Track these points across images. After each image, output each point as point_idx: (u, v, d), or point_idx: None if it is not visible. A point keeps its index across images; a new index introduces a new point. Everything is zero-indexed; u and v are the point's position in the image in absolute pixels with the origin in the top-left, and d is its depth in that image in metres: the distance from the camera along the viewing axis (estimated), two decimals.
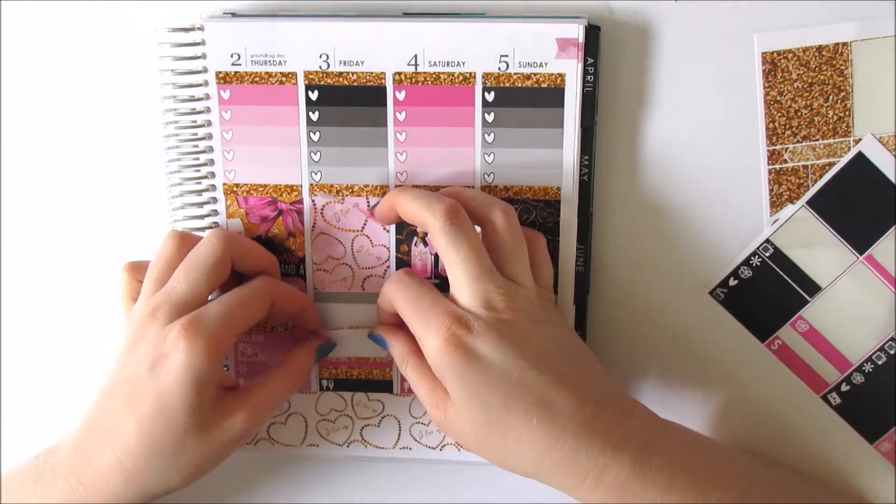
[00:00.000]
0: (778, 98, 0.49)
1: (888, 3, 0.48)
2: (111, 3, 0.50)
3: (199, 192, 0.50)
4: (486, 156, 0.49)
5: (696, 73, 0.49)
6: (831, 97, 0.49)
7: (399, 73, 0.48)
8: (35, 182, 0.53)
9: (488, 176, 0.49)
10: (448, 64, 0.47)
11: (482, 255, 0.45)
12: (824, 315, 0.51)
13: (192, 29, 0.48)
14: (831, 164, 0.50)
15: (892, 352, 0.52)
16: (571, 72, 0.47)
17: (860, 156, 0.50)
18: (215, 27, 0.48)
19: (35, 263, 0.54)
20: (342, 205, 0.50)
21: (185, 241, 0.47)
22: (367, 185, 0.50)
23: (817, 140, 0.50)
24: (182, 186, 0.50)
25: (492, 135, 0.48)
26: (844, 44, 0.49)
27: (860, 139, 0.49)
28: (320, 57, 0.48)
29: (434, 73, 0.48)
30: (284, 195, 0.50)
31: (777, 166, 0.50)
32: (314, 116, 0.49)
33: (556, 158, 0.48)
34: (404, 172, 0.49)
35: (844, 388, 0.52)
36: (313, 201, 0.50)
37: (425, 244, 0.50)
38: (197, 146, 0.49)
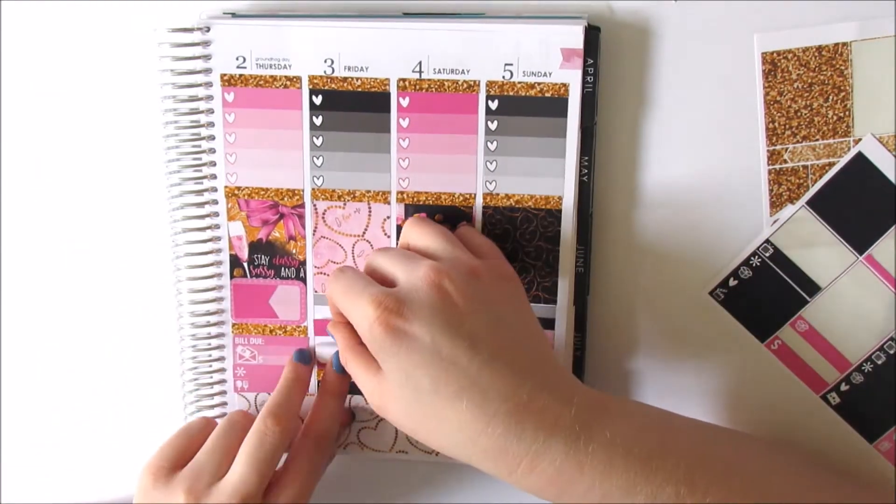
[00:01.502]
0: (778, 98, 0.49)
1: (888, 3, 0.48)
2: (111, 3, 0.50)
3: (200, 193, 0.50)
4: (488, 163, 0.49)
5: (696, 73, 0.49)
6: (831, 97, 0.49)
7: (403, 80, 0.48)
8: (35, 182, 0.53)
9: (490, 184, 0.49)
10: (452, 71, 0.47)
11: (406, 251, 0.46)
12: (824, 315, 0.51)
13: (196, 29, 0.48)
14: (831, 164, 0.50)
15: (891, 351, 0.52)
16: (576, 82, 0.47)
17: (860, 156, 0.50)
18: (221, 29, 0.48)
19: (35, 264, 0.54)
20: (344, 209, 0.50)
21: (247, 423, 0.49)
22: (369, 191, 0.50)
23: (817, 140, 0.50)
24: (182, 187, 0.50)
25: (494, 143, 0.48)
26: (844, 44, 0.49)
27: (860, 139, 0.49)
28: (325, 62, 0.48)
29: (438, 80, 0.48)
30: (286, 199, 0.50)
31: (777, 166, 0.50)
32: (318, 121, 0.49)
33: (558, 167, 0.48)
34: (406, 178, 0.49)
35: (844, 387, 0.52)
36: (315, 205, 0.50)
37: None
38: (199, 146, 0.49)
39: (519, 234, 0.50)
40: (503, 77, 0.47)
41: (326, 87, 0.48)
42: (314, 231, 0.50)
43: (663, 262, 0.51)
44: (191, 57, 0.48)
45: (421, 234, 0.47)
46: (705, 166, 0.50)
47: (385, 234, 0.50)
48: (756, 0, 0.48)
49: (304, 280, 0.51)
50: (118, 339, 0.55)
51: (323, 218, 0.50)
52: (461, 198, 0.49)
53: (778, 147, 0.50)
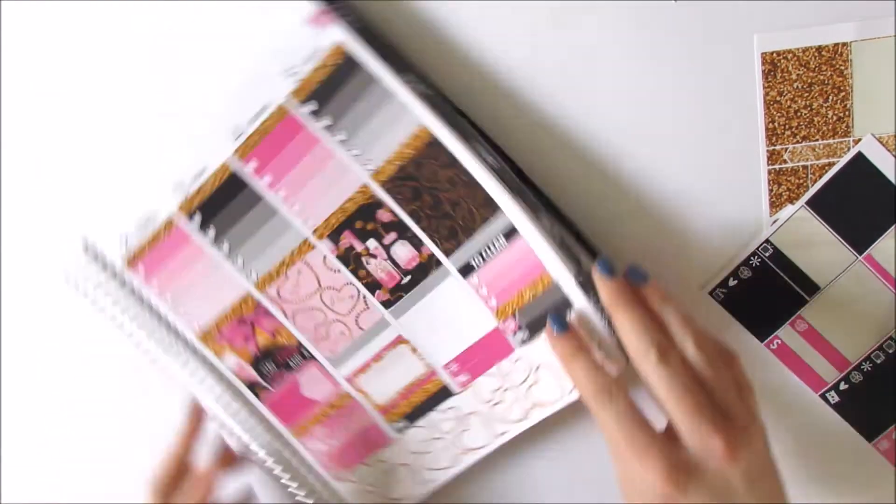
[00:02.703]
0: (778, 98, 0.49)
1: (888, 3, 0.48)
2: (112, 3, 0.50)
3: (186, 365, 0.51)
4: (353, 153, 0.47)
5: (696, 73, 0.49)
6: (831, 97, 0.49)
7: (237, 151, 0.48)
8: (35, 183, 0.53)
9: (367, 164, 0.48)
10: (262, 111, 0.47)
11: (697, 391, 0.43)
12: (823, 315, 0.51)
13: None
14: (831, 165, 0.50)
15: (890, 351, 0.52)
16: (339, 35, 0.46)
17: (860, 156, 0.50)
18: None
19: (35, 265, 0.54)
20: (288, 279, 0.50)
21: None
22: (293, 250, 0.49)
23: (817, 140, 0.50)
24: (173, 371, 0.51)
25: (343, 132, 0.47)
26: (844, 44, 0.49)
27: (860, 139, 0.49)
28: (176, 191, 0.49)
29: (260, 128, 0.47)
30: (244, 308, 0.50)
31: (777, 166, 0.50)
32: (211, 234, 0.49)
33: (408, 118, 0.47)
34: (308, 216, 0.48)
35: (843, 386, 0.53)
36: (266, 295, 0.50)
37: (374, 256, 0.49)
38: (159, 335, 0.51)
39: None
40: (296, 82, 0.46)
41: (196, 205, 0.49)
42: (284, 314, 0.50)
43: (663, 262, 0.51)
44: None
45: (694, 340, 0.45)
46: (705, 166, 0.50)
47: (334, 270, 0.49)
48: (756, 0, 0.48)
49: (312, 357, 0.51)
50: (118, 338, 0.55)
51: (280, 298, 0.50)
52: (360, 194, 0.48)
53: (778, 147, 0.50)
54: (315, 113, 0.46)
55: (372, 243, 0.48)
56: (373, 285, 0.49)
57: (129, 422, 0.55)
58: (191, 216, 0.49)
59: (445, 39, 0.49)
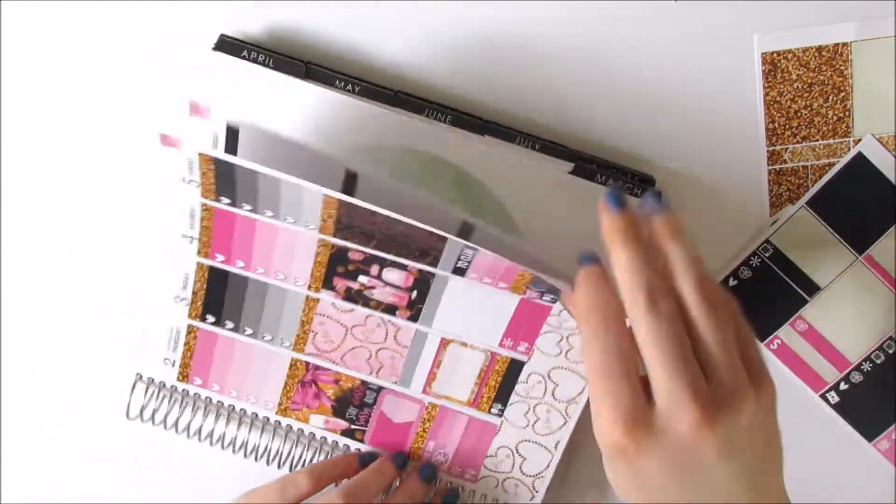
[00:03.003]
0: (778, 98, 0.49)
1: (888, 3, 0.48)
2: (111, 3, 0.50)
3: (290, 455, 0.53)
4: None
5: (696, 73, 0.49)
6: (831, 97, 0.49)
7: (199, 253, 0.49)
8: (36, 184, 0.53)
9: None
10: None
11: (684, 346, 0.38)
12: (823, 315, 0.51)
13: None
14: (831, 165, 0.50)
15: (890, 351, 0.52)
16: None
17: (860, 156, 0.50)
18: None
19: (35, 266, 0.54)
20: (318, 334, 0.51)
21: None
22: (302, 309, 0.50)
23: (817, 140, 0.50)
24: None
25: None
26: (844, 44, 0.49)
27: (860, 139, 0.49)
28: (178, 300, 0.51)
29: (203, 226, 0.48)
30: (299, 373, 0.52)
31: (777, 166, 0.50)
32: (230, 325, 0.51)
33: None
34: (295, 279, 0.49)
35: (843, 386, 0.53)
36: (308, 353, 0.51)
37: (373, 287, 0.49)
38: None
39: None
40: (197, 187, 0.47)
41: (202, 307, 0.51)
42: (333, 362, 0.51)
43: None
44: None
45: (695, 283, 0.39)
46: (705, 166, 0.50)
47: (349, 311, 0.50)
48: (756, 0, 0.48)
49: (381, 387, 0.52)
50: (119, 338, 0.55)
51: (321, 351, 0.51)
52: (323, 248, 0.48)
53: (778, 147, 0.50)
54: (232, 204, 0.47)
55: (363, 278, 0.49)
56: (390, 309, 0.50)
57: (127, 420, 0.55)
58: (203, 318, 0.51)
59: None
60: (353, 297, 0.50)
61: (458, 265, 0.47)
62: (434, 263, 0.47)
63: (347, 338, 0.51)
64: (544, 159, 0.48)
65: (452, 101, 0.49)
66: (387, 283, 0.49)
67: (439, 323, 0.50)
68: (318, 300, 0.50)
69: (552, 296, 0.47)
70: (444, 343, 0.50)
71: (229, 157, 0.43)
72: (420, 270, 0.48)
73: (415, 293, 0.49)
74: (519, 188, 0.48)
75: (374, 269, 0.49)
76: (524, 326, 0.49)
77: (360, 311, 0.50)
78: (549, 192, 0.48)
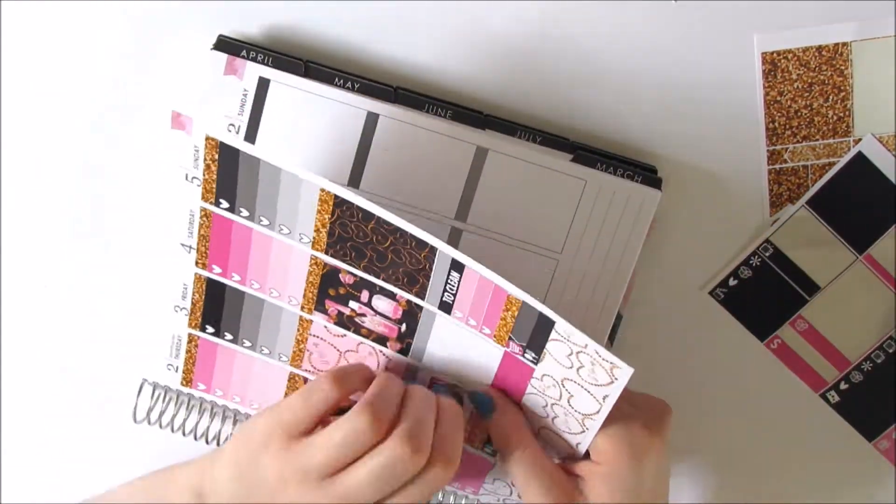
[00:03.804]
0: (778, 98, 0.49)
1: (888, 3, 0.48)
2: (112, 3, 0.50)
3: None
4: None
5: (696, 73, 0.49)
6: (831, 97, 0.49)
7: (196, 263, 0.49)
8: (36, 184, 0.53)
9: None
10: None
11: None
12: (824, 314, 0.51)
13: None
14: (831, 164, 0.50)
15: (890, 350, 0.52)
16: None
17: (860, 156, 0.50)
18: None
19: (36, 266, 0.54)
20: (312, 353, 0.50)
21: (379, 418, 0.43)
22: (297, 327, 0.49)
23: (817, 140, 0.50)
24: None
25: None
26: (844, 44, 0.49)
27: (860, 139, 0.49)
28: (178, 309, 0.50)
29: (201, 234, 0.48)
30: (298, 386, 0.52)
31: (777, 166, 0.50)
32: (229, 336, 0.51)
33: None
34: (289, 297, 0.49)
35: (843, 386, 0.53)
36: (305, 370, 0.51)
37: (364, 315, 0.48)
38: None
39: None
40: (198, 186, 0.46)
41: (200, 317, 0.50)
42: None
43: (663, 262, 0.51)
44: None
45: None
46: (705, 166, 0.50)
47: (341, 335, 0.49)
48: (756, 0, 0.48)
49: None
50: (124, 343, 0.55)
51: (317, 370, 0.51)
52: (315, 266, 0.47)
53: (778, 147, 0.50)
54: (230, 209, 0.46)
55: (354, 304, 0.48)
56: (380, 339, 0.49)
57: (128, 420, 0.55)
58: (203, 328, 0.50)
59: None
60: (344, 322, 0.48)
61: (445, 298, 0.45)
62: (422, 294, 0.46)
63: (341, 361, 0.50)
64: (545, 151, 0.48)
65: (453, 96, 0.49)
66: (377, 312, 0.47)
67: (429, 359, 0.48)
68: (311, 321, 0.49)
69: (533, 354, 0.45)
70: (434, 382, 0.49)
71: (235, 142, 0.43)
72: (408, 302, 0.46)
73: (404, 326, 0.47)
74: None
75: (364, 296, 0.47)
76: (511, 382, 0.48)
77: (353, 337, 0.49)
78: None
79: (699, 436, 0.53)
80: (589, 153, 0.48)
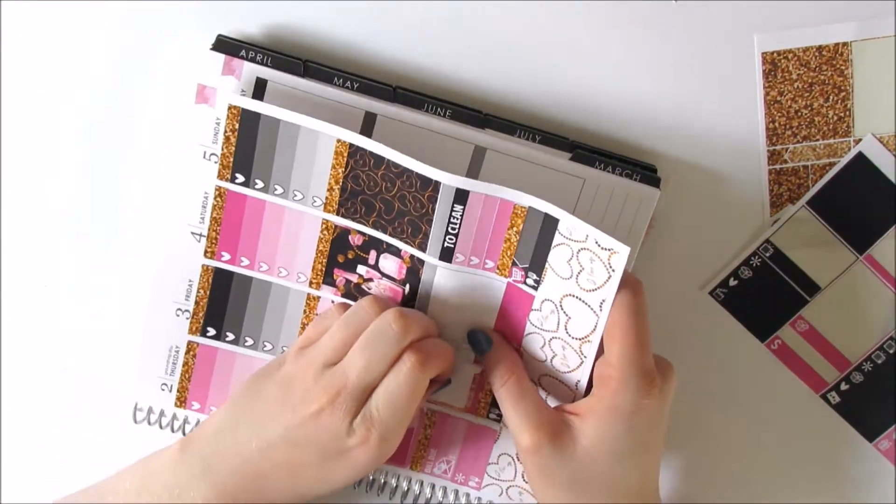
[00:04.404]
0: (778, 98, 0.49)
1: (888, 3, 0.48)
2: (112, 3, 0.50)
3: None
4: None
5: (696, 73, 0.49)
6: (831, 97, 0.49)
7: (205, 254, 0.50)
8: (36, 184, 0.53)
9: None
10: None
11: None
12: (824, 315, 0.51)
13: None
14: (831, 165, 0.50)
15: (891, 351, 0.52)
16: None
17: (860, 156, 0.50)
18: None
19: (36, 266, 0.54)
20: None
21: (378, 309, 0.47)
22: (303, 309, 0.50)
23: (817, 140, 0.50)
24: None
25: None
26: (844, 44, 0.49)
27: (860, 139, 0.49)
28: (181, 312, 0.51)
29: (213, 216, 0.49)
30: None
31: (777, 166, 0.50)
32: (231, 338, 0.51)
33: None
34: (297, 275, 0.50)
35: (844, 387, 0.53)
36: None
37: (371, 280, 0.49)
38: None
39: None
40: (216, 163, 0.48)
41: (203, 319, 0.51)
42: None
43: (663, 262, 0.51)
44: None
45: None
46: (705, 167, 0.50)
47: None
48: (756, 0, 0.48)
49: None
50: (120, 338, 0.55)
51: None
52: (325, 231, 0.49)
53: (778, 147, 0.50)
54: (245, 183, 0.48)
55: (362, 269, 0.49)
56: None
57: (128, 420, 0.55)
58: (204, 332, 0.51)
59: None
60: (351, 292, 0.50)
61: (446, 244, 0.47)
62: (423, 245, 0.47)
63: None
64: (544, 150, 0.48)
65: (452, 95, 0.49)
66: (383, 275, 0.49)
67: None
68: (318, 298, 0.50)
69: (535, 277, 0.47)
70: None
71: (257, 105, 0.45)
72: (412, 258, 0.48)
73: (408, 287, 0.49)
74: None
75: (372, 257, 0.49)
76: (510, 323, 0.49)
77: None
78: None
79: (699, 436, 0.53)
80: (588, 152, 0.48)
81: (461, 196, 0.45)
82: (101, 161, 0.52)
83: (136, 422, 0.53)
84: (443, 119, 0.48)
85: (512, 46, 0.49)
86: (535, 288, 0.47)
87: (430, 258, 0.47)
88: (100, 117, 0.51)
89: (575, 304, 0.46)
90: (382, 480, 0.53)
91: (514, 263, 0.47)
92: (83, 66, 0.51)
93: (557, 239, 0.45)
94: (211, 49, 0.48)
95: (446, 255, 0.47)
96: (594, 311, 0.45)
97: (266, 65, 0.48)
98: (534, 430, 0.45)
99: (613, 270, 0.44)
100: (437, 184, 0.45)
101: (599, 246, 0.44)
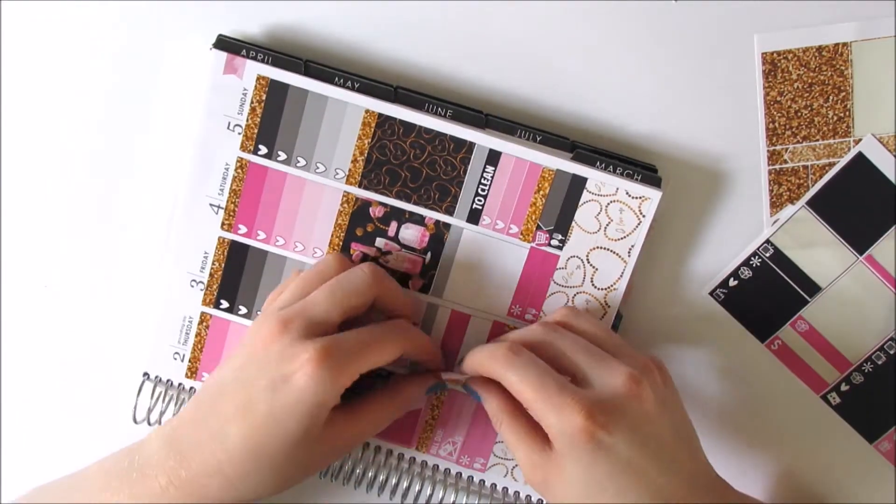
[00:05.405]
0: (778, 98, 0.49)
1: (888, 3, 0.48)
2: (112, 3, 0.50)
3: None
4: None
5: (696, 73, 0.49)
6: (831, 97, 0.49)
7: (222, 226, 0.50)
8: (36, 184, 0.53)
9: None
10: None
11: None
12: (824, 315, 0.51)
13: None
14: (831, 165, 0.50)
15: (891, 352, 0.52)
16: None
17: (860, 156, 0.50)
18: None
19: (36, 266, 0.54)
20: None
21: (342, 266, 0.47)
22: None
23: (817, 140, 0.50)
24: None
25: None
26: (844, 44, 0.49)
27: (860, 139, 0.49)
28: (194, 284, 0.51)
29: (232, 188, 0.49)
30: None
31: (777, 166, 0.50)
32: (244, 311, 0.50)
33: None
34: (313, 249, 0.50)
35: (844, 387, 0.52)
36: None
37: (389, 252, 0.50)
38: None
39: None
40: (240, 134, 0.48)
41: (217, 291, 0.51)
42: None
43: (663, 261, 0.51)
44: None
45: (585, 320, 0.48)
46: (705, 167, 0.50)
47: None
48: (756, 0, 0.48)
49: (388, 373, 0.52)
50: (121, 339, 0.55)
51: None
52: (346, 204, 0.49)
53: (778, 147, 0.50)
54: (268, 155, 0.48)
55: (380, 242, 0.50)
56: (403, 277, 0.50)
57: (128, 420, 0.55)
58: (217, 304, 0.51)
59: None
60: None
61: (475, 205, 0.48)
62: (451, 208, 0.48)
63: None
64: (545, 150, 0.48)
65: (452, 95, 0.49)
66: (403, 246, 0.49)
67: (449, 292, 0.50)
68: None
69: (560, 237, 0.48)
70: (455, 316, 0.50)
71: (286, 76, 0.47)
72: (436, 223, 0.49)
73: (429, 255, 0.49)
74: None
75: (392, 228, 0.49)
76: (532, 286, 0.50)
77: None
78: None
79: (699, 436, 0.53)
80: (588, 152, 0.48)
81: (493, 157, 0.47)
82: (101, 160, 0.52)
83: (141, 395, 0.52)
84: (444, 119, 0.48)
85: (512, 46, 0.49)
86: (560, 247, 0.49)
87: (456, 221, 0.49)
88: (100, 117, 0.51)
89: (602, 255, 0.49)
90: (383, 478, 0.53)
91: (538, 227, 0.49)
92: (83, 66, 0.51)
93: (585, 197, 0.48)
94: (212, 48, 0.48)
95: (474, 216, 0.49)
96: (622, 259, 0.48)
97: (267, 64, 0.48)
98: (529, 470, 0.45)
99: (644, 216, 0.47)
100: (471, 145, 0.47)
101: (630, 196, 0.47)
